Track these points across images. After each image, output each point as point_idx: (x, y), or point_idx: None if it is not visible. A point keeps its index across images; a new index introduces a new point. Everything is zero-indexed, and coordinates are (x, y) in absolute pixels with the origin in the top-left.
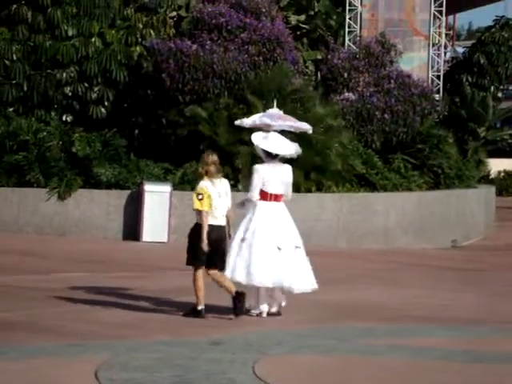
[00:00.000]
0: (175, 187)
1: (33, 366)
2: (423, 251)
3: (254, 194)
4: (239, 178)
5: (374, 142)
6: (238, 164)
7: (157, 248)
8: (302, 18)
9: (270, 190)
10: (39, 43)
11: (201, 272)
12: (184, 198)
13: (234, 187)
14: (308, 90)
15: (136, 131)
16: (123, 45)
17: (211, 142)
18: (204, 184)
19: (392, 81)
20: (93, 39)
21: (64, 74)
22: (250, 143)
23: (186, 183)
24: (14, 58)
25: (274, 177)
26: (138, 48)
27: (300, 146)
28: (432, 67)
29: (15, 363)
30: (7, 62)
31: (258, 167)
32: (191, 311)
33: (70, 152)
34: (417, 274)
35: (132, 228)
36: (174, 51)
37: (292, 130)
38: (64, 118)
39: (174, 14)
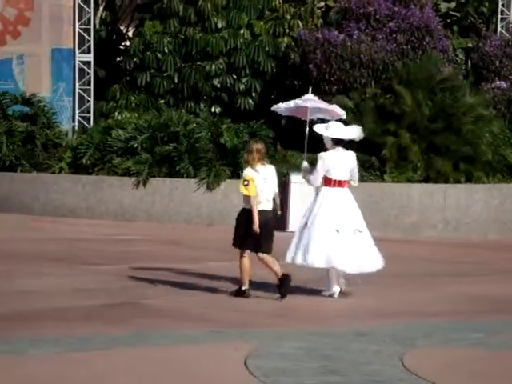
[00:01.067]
0: None
1: (181, 353)
2: None
3: (316, 180)
4: (386, 169)
5: None
6: (385, 154)
7: None
8: (453, 5)
9: (334, 176)
10: (190, 36)
11: (246, 254)
12: None
13: (380, 177)
14: (458, 79)
15: (283, 122)
16: (271, 36)
17: None
18: (248, 171)
19: None
20: (241, 31)
21: (213, 66)
22: (396, 134)
23: None
24: (166, 50)
25: (338, 163)
26: (285, 39)
27: (449, 136)
28: None
29: (164, 350)
30: (159, 55)
31: (322, 155)
32: (237, 292)
33: (218, 143)
34: None
35: (278, 218)
36: (322, 41)
37: (325, 113)
38: (213, 110)
39: (322, 4)
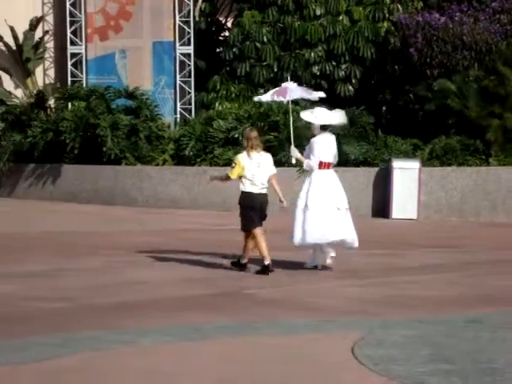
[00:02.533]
0: (424, 163)
1: (290, 342)
2: None
3: (316, 164)
4: (491, 152)
5: None
6: (490, 137)
7: (406, 225)
8: None
9: (324, 159)
10: (288, 24)
11: (258, 231)
12: (433, 174)
13: (485, 161)
14: None
15: (383, 108)
16: (370, 21)
17: (460, 115)
18: (239, 155)
19: None
20: (340, 17)
21: (312, 54)
22: (501, 116)
23: (435, 159)
24: (265, 39)
25: (326, 147)
26: (385, 24)
27: None
28: None
29: (272, 339)
30: (258, 45)
31: (315, 139)
32: (235, 264)
33: None
34: None
35: (381, 205)
36: (422, 25)
37: (304, 97)
38: None
39: None
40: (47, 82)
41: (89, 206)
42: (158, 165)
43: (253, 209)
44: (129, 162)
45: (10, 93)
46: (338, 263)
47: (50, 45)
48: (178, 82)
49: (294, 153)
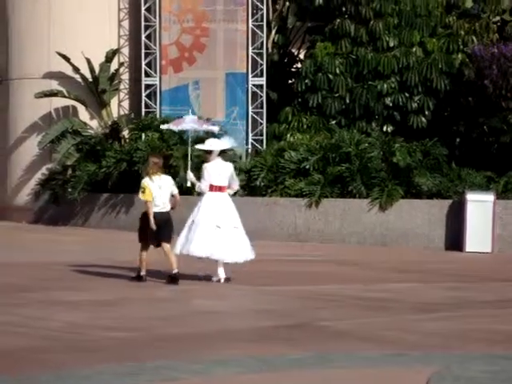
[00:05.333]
0: (498, 196)
1: (363, 376)
2: None
3: (206, 187)
4: None
5: None
6: None
7: (481, 258)
8: None
9: (214, 182)
10: (361, 56)
11: (145, 248)
12: (508, 206)
13: None
14: None
15: (457, 140)
16: (444, 53)
17: None
18: (145, 180)
19: None
20: (413, 49)
21: (385, 85)
22: None
23: (510, 192)
24: (337, 71)
25: (216, 172)
26: (459, 55)
27: None
28: None
29: (345, 372)
30: (330, 76)
31: (206, 165)
32: (135, 277)
33: (390, 162)
34: None
35: (455, 238)
36: (497, 56)
37: (197, 129)
38: (384, 129)
39: (498, 18)
40: (122, 113)
41: None
42: (229, 195)
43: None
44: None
45: (85, 123)
46: (411, 296)
47: (125, 76)
48: (250, 113)
49: (189, 177)
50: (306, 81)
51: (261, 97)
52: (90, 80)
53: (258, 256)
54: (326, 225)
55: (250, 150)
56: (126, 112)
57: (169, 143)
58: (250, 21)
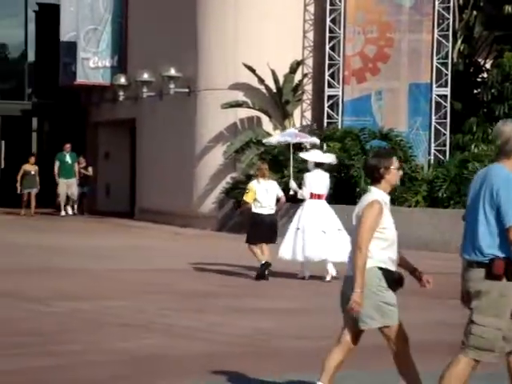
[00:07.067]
0: None
1: None
2: None
3: (307, 194)
4: None
5: None
6: None
7: None
8: None
9: (315, 190)
10: None
11: (255, 246)
12: None
13: None
14: None
15: None
16: None
17: None
18: (252, 183)
19: None
20: None
21: None
22: None
23: None
24: None
25: (317, 181)
26: None
27: None
28: None
29: None
30: None
31: (307, 174)
32: (258, 274)
33: None
34: None
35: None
36: None
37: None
38: None
39: None
40: (304, 123)
41: None
42: (410, 206)
43: (260, 226)
44: None
45: (268, 134)
46: None
47: (308, 87)
48: (433, 123)
49: (292, 185)
50: (493, 90)
51: (444, 107)
52: (274, 91)
53: (438, 268)
54: None
55: (431, 161)
56: (309, 122)
57: (350, 153)
58: (436, 31)
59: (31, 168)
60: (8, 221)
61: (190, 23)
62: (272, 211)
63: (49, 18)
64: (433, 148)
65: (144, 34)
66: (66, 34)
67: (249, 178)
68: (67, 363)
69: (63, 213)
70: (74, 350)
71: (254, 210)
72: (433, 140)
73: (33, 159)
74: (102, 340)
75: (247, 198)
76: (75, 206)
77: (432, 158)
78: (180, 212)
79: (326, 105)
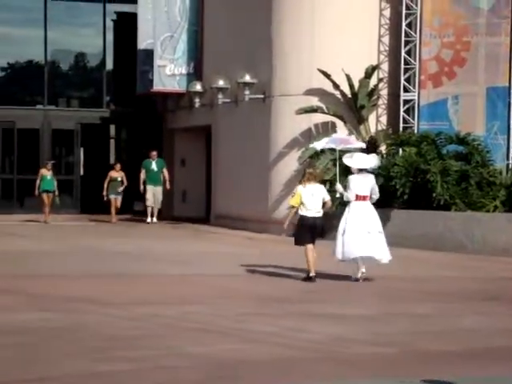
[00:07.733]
0: None
1: None
2: None
3: (352, 196)
4: None
5: None
6: None
7: None
8: None
9: (359, 192)
10: None
11: (309, 247)
12: None
13: None
14: None
15: None
16: None
17: None
18: (298, 187)
19: None
20: None
21: None
22: None
23: None
24: None
25: (360, 183)
26: None
27: None
28: None
29: None
30: None
31: (351, 177)
32: (304, 278)
33: None
34: None
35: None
36: None
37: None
38: None
39: None
40: (379, 128)
41: (416, 251)
42: (488, 211)
43: (306, 228)
44: (458, 208)
45: None
46: None
47: (384, 92)
48: (511, 127)
49: (339, 188)
50: None
51: None
52: (349, 96)
53: None
54: None
55: (510, 166)
56: (384, 127)
57: (426, 158)
58: None
59: (117, 174)
60: (92, 227)
61: (265, 29)
62: (319, 214)
63: (126, 26)
64: (511, 152)
65: (219, 41)
66: (143, 42)
67: (323, 183)
68: (147, 368)
69: (149, 219)
70: (154, 354)
71: (301, 212)
72: (511, 144)
73: (118, 166)
74: (181, 345)
75: (292, 201)
76: (155, 214)
77: (511, 162)
78: (255, 218)
79: (401, 109)
